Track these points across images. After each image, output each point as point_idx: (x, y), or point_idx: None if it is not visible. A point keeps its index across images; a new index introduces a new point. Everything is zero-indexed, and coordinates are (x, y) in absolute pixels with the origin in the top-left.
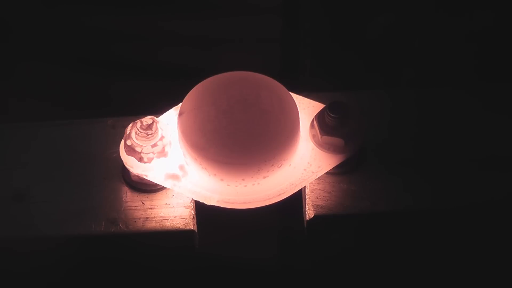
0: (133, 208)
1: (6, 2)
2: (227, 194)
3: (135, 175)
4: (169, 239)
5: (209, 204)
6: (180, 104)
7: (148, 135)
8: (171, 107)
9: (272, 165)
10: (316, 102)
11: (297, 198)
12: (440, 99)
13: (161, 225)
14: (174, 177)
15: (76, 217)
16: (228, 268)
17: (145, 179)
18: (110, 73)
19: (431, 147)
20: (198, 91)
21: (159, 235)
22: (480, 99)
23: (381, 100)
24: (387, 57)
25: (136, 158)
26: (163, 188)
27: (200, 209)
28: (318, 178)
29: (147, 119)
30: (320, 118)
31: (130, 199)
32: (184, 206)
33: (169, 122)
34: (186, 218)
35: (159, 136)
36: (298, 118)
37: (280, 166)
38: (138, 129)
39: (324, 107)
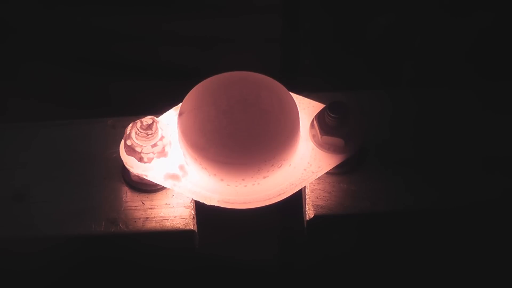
0: (133, 208)
1: (6, 2)
2: (227, 194)
3: (135, 175)
4: (169, 239)
5: (209, 204)
6: (180, 104)
7: (148, 135)
8: (171, 107)
9: (272, 165)
10: (316, 102)
11: (297, 198)
12: (440, 99)
13: (161, 225)
14: (174, 177)
15: (76, 217)
16: (228, 268)
17: (145, 179)
18: (110, 73)
19: (431, 147)
20: (198, 91)
21: (159, 235)
22: (480, 99)
23: (381, 100)
24: (387, 57)
25: (136, 158)
26: (163, 188)
27: (200, 209)
28: (318, 178)
29: (147, 119)
30: (320, 118)
31: (130, 199)
32: (184, 206)
33: (169, 122)
34: (186, 218)
35: (159, 136)
36: (298, 118)
37: (280, 166)
38: (138, 129)
39: (324, 107)
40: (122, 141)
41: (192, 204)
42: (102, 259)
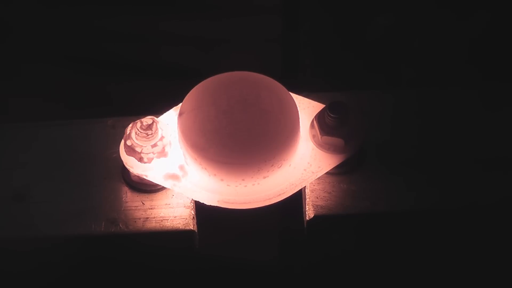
0: (133, 208)
1: (6, 2)
2: (227, 194)
3: (135, 175)
4: (169, 239)
5: (209, 204)
6: (180, 104)
7: (148, 135)
8: (171, 107)
9: (272, 165)
10: (316, 102)
11: (297, 198)
12: (440, 99)
13: (161, 225)
14: (174, 177)
15: (76, 217)
16: (228, 269)
17: (145, 179)
18: (110, 73)
19: (431, 147)
20: (198, 91)
21: (159, 235)
22: (481, 98)
23: (382, 100)
24: (387, 57)
25: (136, 158)
26: (163, 188)
27: (200, 209)
28: (318, 178)
29: (147, 119)
30: (320, 118)
31: (130, 199)
32: (184, 206)
33: (169, 122)
34: (186, 218)
35: (159, 136)
36: (298, 118)
37: (280, 166)
38: (138, 129)
39: (324, 107)
40: (122, 141)
41: (192, 204)
42: (102, 259)
